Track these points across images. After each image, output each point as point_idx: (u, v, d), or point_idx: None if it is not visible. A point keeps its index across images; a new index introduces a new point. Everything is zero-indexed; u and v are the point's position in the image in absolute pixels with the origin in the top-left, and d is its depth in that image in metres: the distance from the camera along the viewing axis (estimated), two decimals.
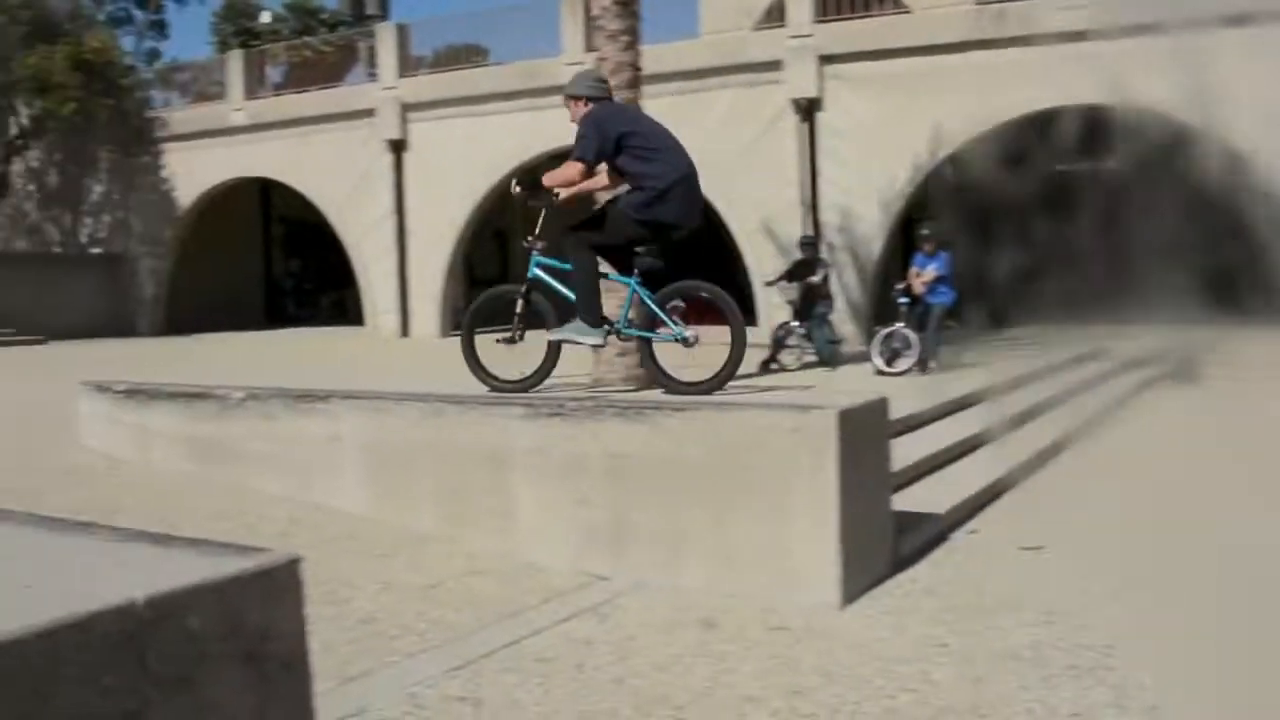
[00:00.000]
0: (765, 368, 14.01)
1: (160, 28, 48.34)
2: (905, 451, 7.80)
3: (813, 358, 14.95)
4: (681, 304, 6.92)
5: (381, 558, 6.38)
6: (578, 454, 6.22)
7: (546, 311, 7.17)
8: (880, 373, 13.60)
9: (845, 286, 20.28)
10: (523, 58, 25.52)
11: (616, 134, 6.94)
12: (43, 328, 29.42)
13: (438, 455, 6.78)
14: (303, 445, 7.42)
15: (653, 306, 6.89)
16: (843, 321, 18.15)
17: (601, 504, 6.17)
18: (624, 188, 7.11)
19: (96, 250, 33.01)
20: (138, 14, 46.95)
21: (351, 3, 46.57)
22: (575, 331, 7.04)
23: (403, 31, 28.11)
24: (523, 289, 7.19)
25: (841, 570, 5.60)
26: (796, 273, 15.48)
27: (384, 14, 45.43)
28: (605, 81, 7.63)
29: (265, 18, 47.87)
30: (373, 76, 28.77)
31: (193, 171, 30.83)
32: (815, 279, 15.14)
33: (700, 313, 6.90)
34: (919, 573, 6.29)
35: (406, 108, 26.80)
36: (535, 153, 24.03)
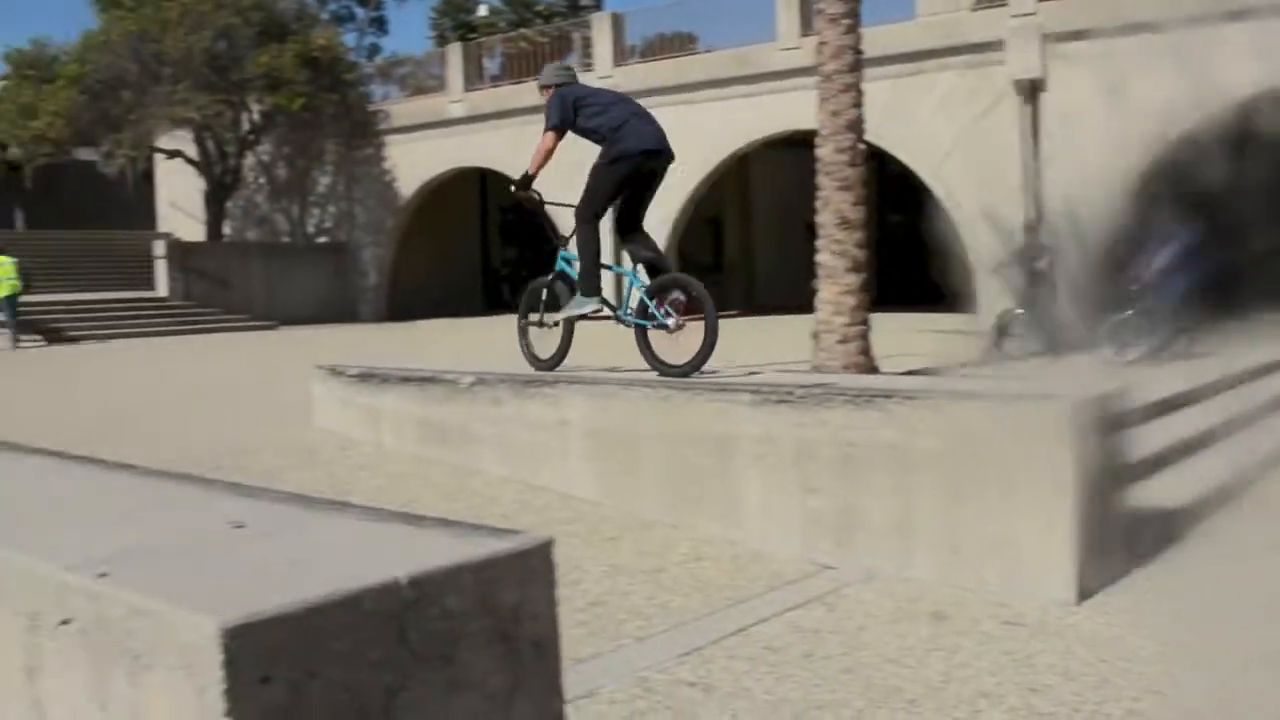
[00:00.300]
0: (989, 356, 13.69)
1: (380, 24, 49.81)
2: (1141, 444, 7.51)
3: (1038, 346, 14.54)
4: (681, 296, 7.64)
5: (608, 541, 6.43)
6: (805, 441, 6.17)
7: (563, 295, 8.17)
8: (1112, 362, 13.14)
9: (1071, 272, 19.71)
10: (736, 44, 25.47)
11: (573, 99, 8.28)
12: (273, 313, 30.66)
13: (663, 441, 6.80)
14: (529, 429, 7.54)
15: (644, 298, 7.72)
16: (1069, 308, 17.65)
17: (829, 492, 6.11)
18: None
19: (322, 240, 34.17)
20: (359, 11, 48.47)
21: None
22: (573, 305, 8.00)
23: (617, 21, 28.32)
24: (550, 278, 8.45)
25: (1077, 566, 5.43)
26: (1020, 258, 15.09)
27: (598, 4, 45.93)
28: (570, 69, 8.97)
29: (482, 11, 48.84)
30: (587, 66, 29.05)
31: (413, 163, 31.65)
32: (1040, 264, 14.74)
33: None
34: (1156, 570, 6.04)
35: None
36: (749, 140, 23.97)
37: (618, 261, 8.13)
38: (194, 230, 35.39)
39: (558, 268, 8.41)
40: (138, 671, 2.17)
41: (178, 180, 36.69)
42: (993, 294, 18.66)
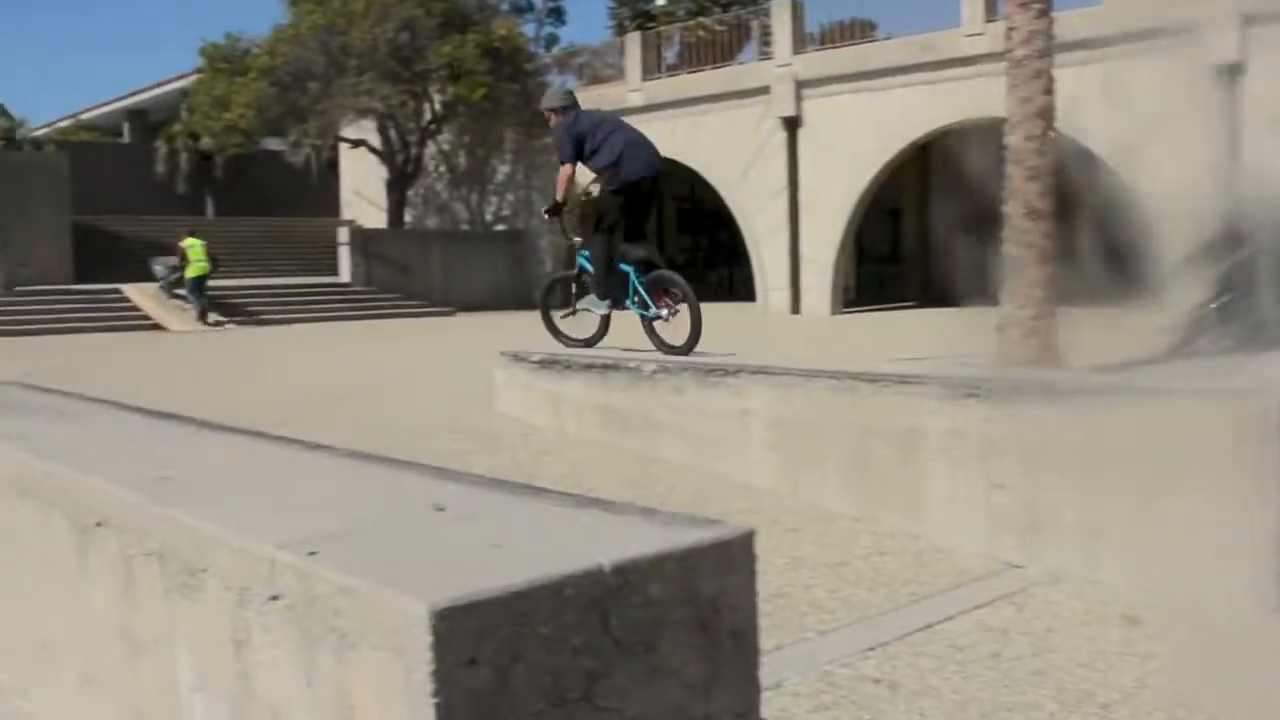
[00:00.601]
0: (1181, 351, 13.22)
1: (558, 14, 50.28)
2: None
3: (1235, 341, 14.00)
4: (677, 289, 9.34)
5: (790, 533, 6.38)
6: (993, 436, 6.03)
7: (590, 285, 9.96)
8: None
9: (1274, 262, 18.95)
10: (918, 30, 25.10)
11: (577, 135, 9.64)
12: (451, 300, 31.24)
13: (846, 432, 6.72)
14: (711, 419, 7.52)
15: (642, 291, 9.38)
16: (1271, 301, 16.93)
17: (1016, 489, 5.96)
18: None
19: (500, 227, 34.65)
20: (537, 2, 49.02)
21: None
22: (590, 302, 9.83)
23: (797, 8, 28.11)
24: (574, 273, 10.46)
25: None
26: (1217, 248, 14.55)
27: None
28: (571, 93, 10.68)
29: (661, 0, 48.92)
30: (766, 54, 28.93)
31: None
32: (1239, 255, 14.20)
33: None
34: None
35: (801, 84, 26.80)
36: (931, 128, 23.60)
37: (624, 260, 9.69)
38: (376, 217, 36.22)
39: (578, 264, 10.29)
40: (344, 649, 2.20)
41: (361, 168, 37.59)
42: (1186, 287, 18.06)
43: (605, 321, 9.74)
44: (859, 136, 25.29)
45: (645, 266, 9.62)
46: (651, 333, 9.23)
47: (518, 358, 9.38)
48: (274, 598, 2.42)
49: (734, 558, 2.46)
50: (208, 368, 15.77)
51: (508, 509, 2.74)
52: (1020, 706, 4.16)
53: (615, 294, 9.66)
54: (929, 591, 5.51)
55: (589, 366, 8.53)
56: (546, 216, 10.76)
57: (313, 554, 2.33)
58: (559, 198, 10.18)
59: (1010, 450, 5.98)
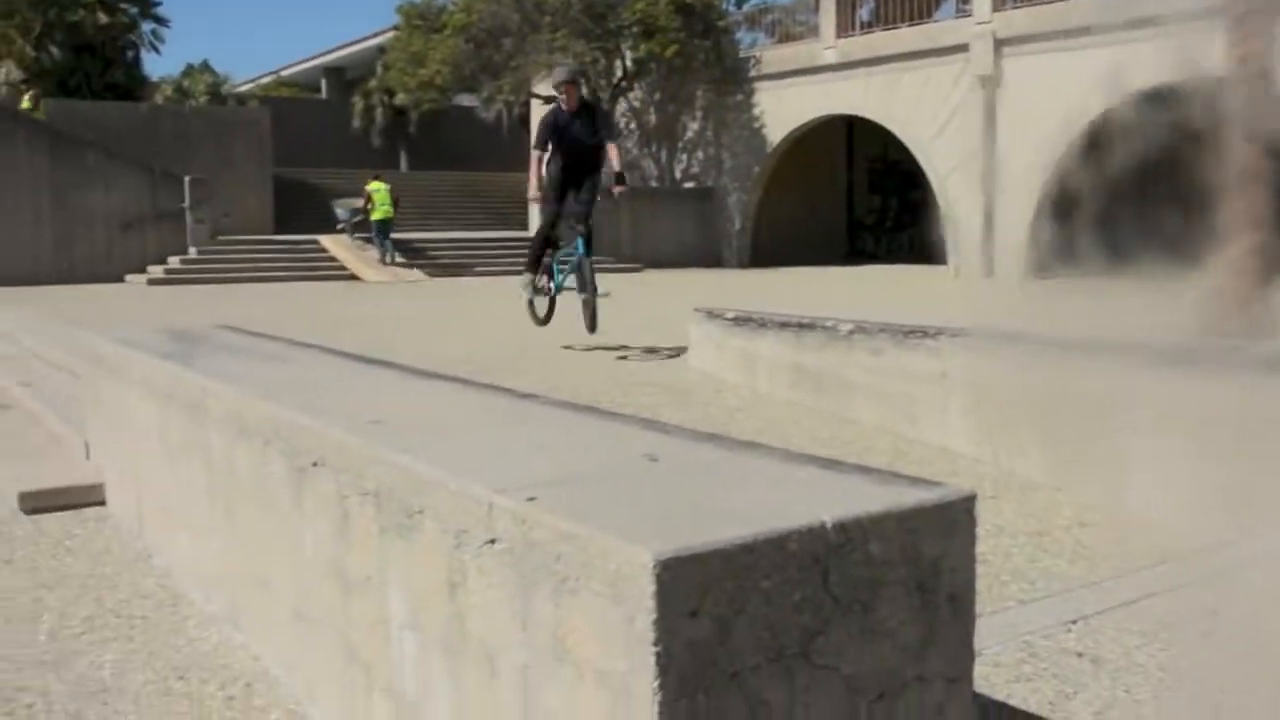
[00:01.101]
0: None
1: None
2: None
3: None
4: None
5: (989, 500, 6.24)
6: (1204, 409, 5.80)
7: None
8: None
9: None
10: None
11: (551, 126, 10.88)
12: (639, 256, 31.40)
13: (1050, 399, 6.54)
14: (907, 380, 7.40)
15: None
16: None
17: (1228, 465, 5.72)
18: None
19: (689, 185, 34.65)
20: None
21: None
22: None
23: None
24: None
25: None
26: None
27: None
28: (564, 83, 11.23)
29: None
30: (965, 11, 28.29)
31: (782, 109, 31.65)
32: None
33: None
34: None
35: (1000, 43, 26.14)
36: (1140, 88, 22.78)
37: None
38: None
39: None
40: (563, 595, 2.21)
41: None
42: None
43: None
44: (1060, 97, 24.57)
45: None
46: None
47: (711, 314, 9.37)
48: (491, 541, 2.44)
49: (955, 520, 2.40)
50: (403, 317, 16.13)
51: (725, 463, 2.72)
52: (1232, 688, 4.01)
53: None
54: (1132, 566, 5.34)
55: (784, 325, 8.46)
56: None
57: (532, 499, 2.34)
58: (532, 184, 11.33)
59: (1223, 424, 5.75)
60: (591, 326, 11.19)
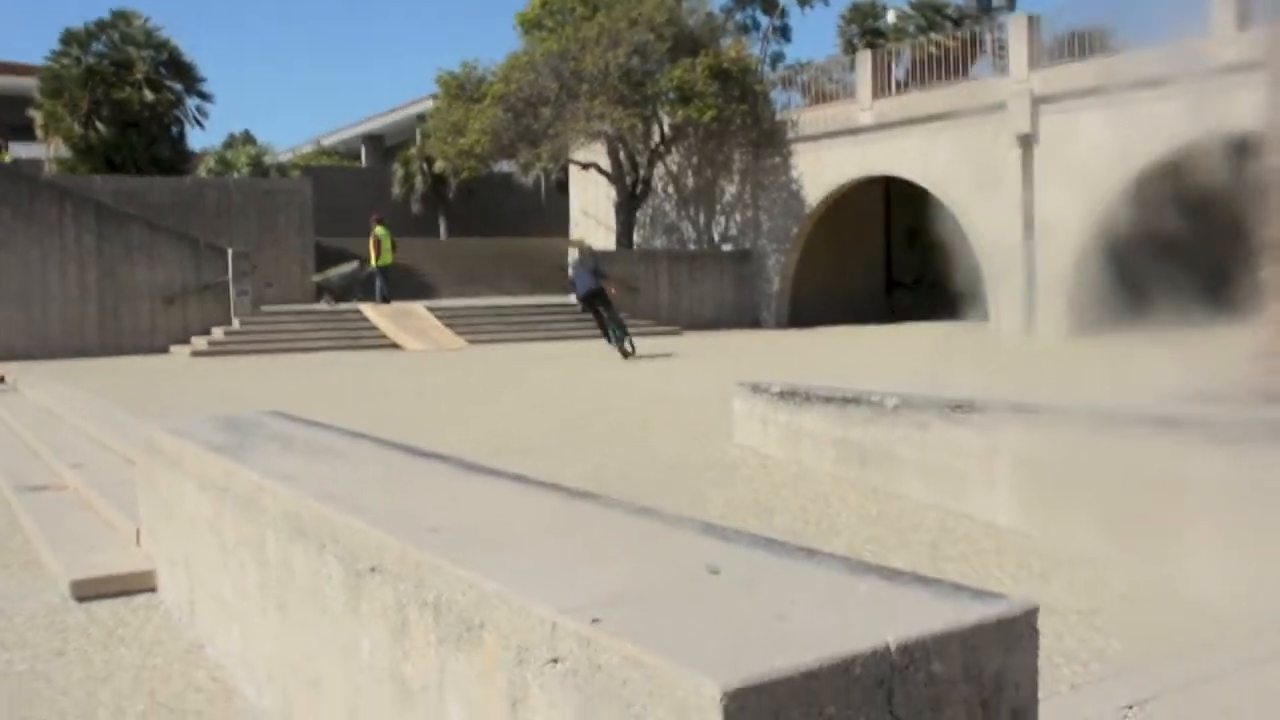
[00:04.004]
0: None
1: (783, 32, 50.35)
2: None
3: None
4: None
5: (1037, 577, 6.20)
6: (1266, 482, 5.74)
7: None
8: None
9: None
10: (1162, 40, 24.18)
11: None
12: (677, 318, 31.47)
13: (1100, 473, 6.50)
14: (955, 454, 7.37)
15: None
16: None
17: None
18: None
19: (727, 247, 34.75)
20: (763, 20, 49.14)
21: None
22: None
23: (1033, 21, 27.44)
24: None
25: None
26: None
27: (1011, 5, 44.78)
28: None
29: (890, 17, 48.48)
30: (1001, 70, 28.34)
31: (819, 170, 31.76)
32: None
33: None
34: None
35: (1037, 100, 26.16)
36: (1180, 142, 22.72)
37: None
38: (604, 237, 36.75)
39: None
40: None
41: (590, 189, 38.22)
42: None
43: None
44: (1100, 153, 24.55)
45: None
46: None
47: (756, 389, 9.35)
48: (554, 660, 2.45)
49: (1018, 634, 2.39)
50: (448, 390, 16.19)
51: (783, 573, 2.72)
52: None
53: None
54: (1190, 646, 5.27)
55: (829, 399, 8.44)
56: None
57: (596, 621, 2.36)
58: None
59: None
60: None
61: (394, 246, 29.88)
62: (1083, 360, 18.78)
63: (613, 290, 22.33)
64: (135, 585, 6.70)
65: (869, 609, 2.43)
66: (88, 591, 6.62)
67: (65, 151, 34.17)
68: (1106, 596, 5.90)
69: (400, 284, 31.82)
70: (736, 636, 2.26)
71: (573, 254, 23.76)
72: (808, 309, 32.52)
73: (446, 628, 2.91)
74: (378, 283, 29.10)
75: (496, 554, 3.06)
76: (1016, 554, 6.55)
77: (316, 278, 30.61)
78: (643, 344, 26.27)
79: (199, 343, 25.72)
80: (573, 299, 23.04)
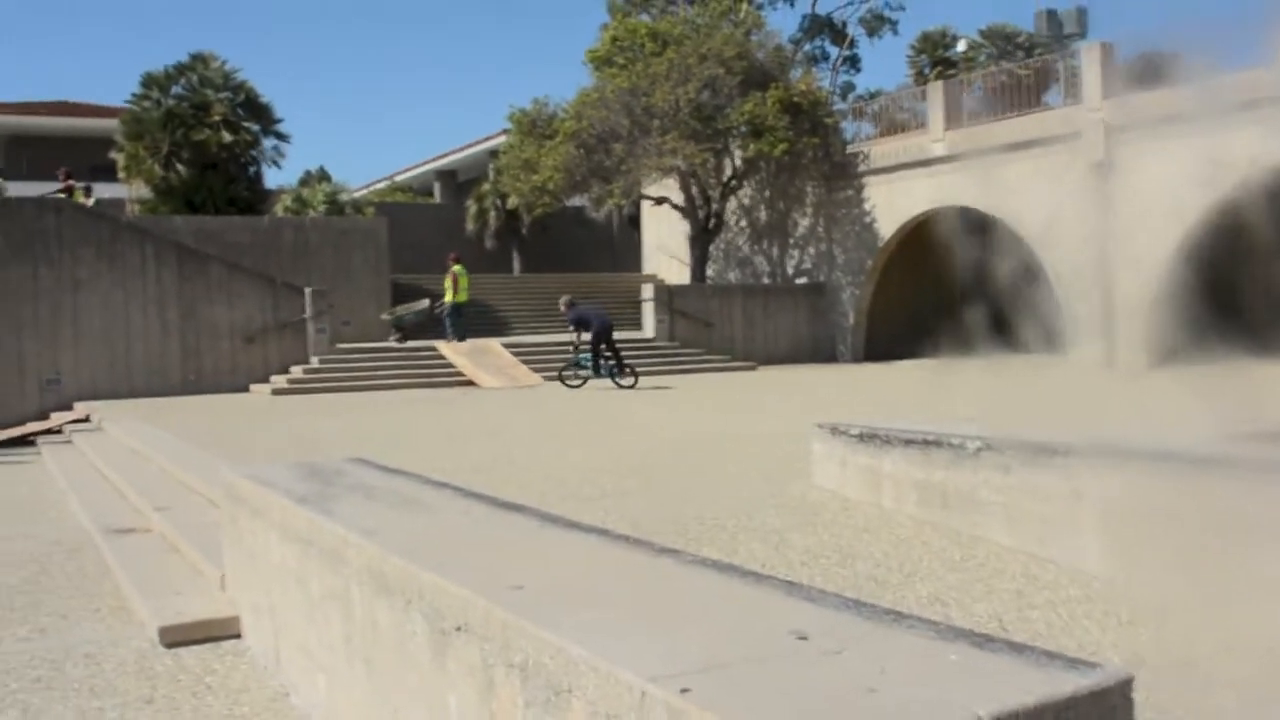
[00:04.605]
0: None
1: (853, 62, 50.36)
2: None
3: None
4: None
5: (1125, 626, 6.10)
6: None
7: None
8: None
9: None
10: (1233, 68, 23.88)
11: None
12: (752, 353, 31.46)
13: (1190, 519, 6.38)
14: (1039, 498, 7.28)
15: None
16: None
17: None
18: None
19: (801, 280, 34.68)
20: (833, 50, 49.18)
21: (1050, 24, 45.94)
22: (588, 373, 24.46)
23: (1106, 49, 27.21)
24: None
25: None
26: None
27: (1083, 32, 44.49)
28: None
29: (961, 46, 48.33)
30: (1074, 98, 28.12)
31: (892, 202, 31.65)
32: None
33: None
34: None
35: (1111, 129, 25.92)
36: (1264, 169, 22.42)
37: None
38: (677, 271, 36.85)
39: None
40: None
41: (663, 224, 38.34)
42: None
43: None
44: (1176, 181, 24.26)
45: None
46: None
47: (835, 431, 9.30)
48: None
49: (1112, 706, 2.36)
50: (524, 428, 16.26)
51: (871, 639, 2.70)
52: None
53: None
54: None
55: (909, 442, 8.37)
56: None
57: (685, 691, 2.35)
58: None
59: None
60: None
61: (469, 284, 30.23)
62: (1166, 394, 18.51)
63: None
64: (221, 631, 6.78)
65: (960, 680, 2.41)
66: (175, 638, 6.71)
67: (146, 192, 34.77)
68: (1200, 648, 5.78)
69: (475, 320, 32.05)
70: (827, 712, 2.25)
71: (564, 300, 26.05)
72: (883, 342, 32.36)
73: (534, 691, 2.91)
74: (451, 320, 29.40)
75: (582, 614, 3.06)
76: (1103, 601, 6.44)
77: (385, 315, 30.90)
78: (718, 380, 26.30)
79: (278, 381, 26.02)
80: (586, 336, 24.65)
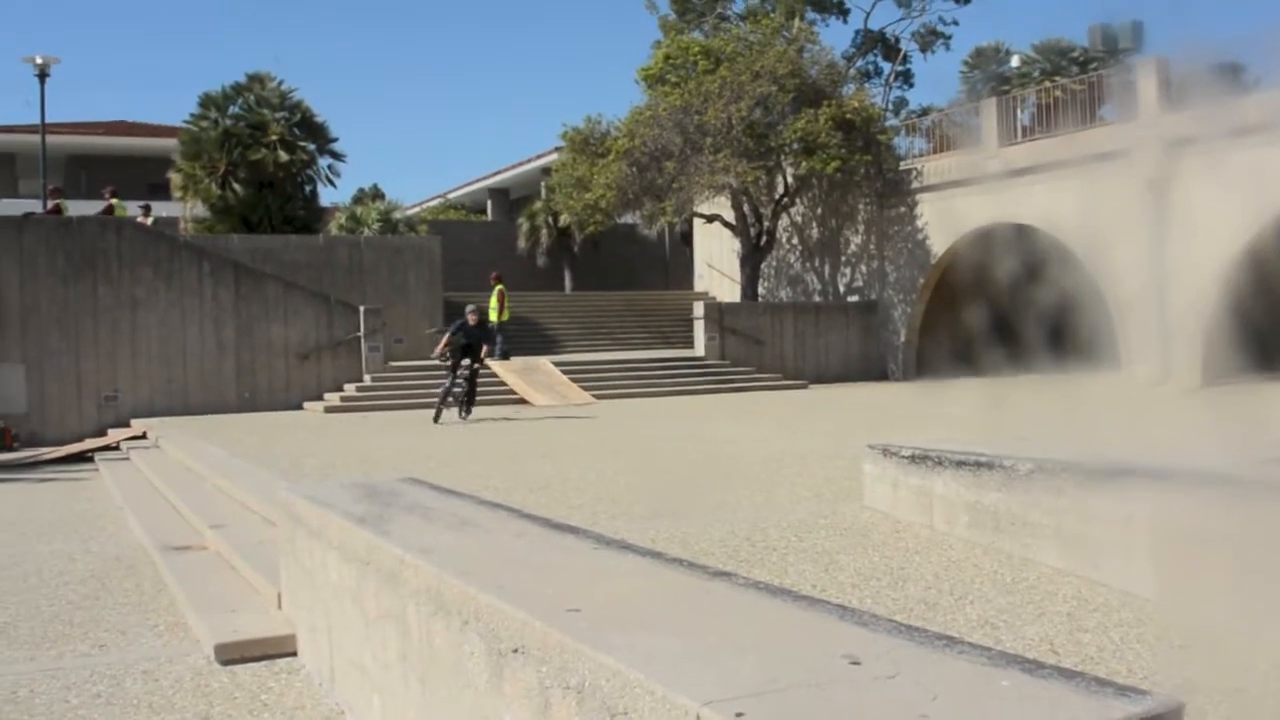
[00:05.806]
0: None
1: (906, 77, 50.25)
2: None
3: None
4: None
5: (1177, 650, 6.08)
6: None
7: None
8: None
9: None
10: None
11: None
12: (803, 372, 31.40)
13: (1242, 543, 6.35)
14: (1091, 521, 7.25)
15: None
16: None
17: None
18: None
19: (853, 298, 34.60)
20: (885, 66, 49.10)
21: (1104, 39, 45.65)
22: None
23: (1162, 64, 26.99)
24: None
25: None
26: None
27: (1137, 47, 44.18)
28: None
29: (1014, 62, 48.13)
30: (1129, 113, 27.91)
31: (945, 219, 31.50)
32: None
33: None
34: None
35: (1167, 144, 25.71)
36: None
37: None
38: (728, 289, 36.85)
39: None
40: None
41: (714, 241, 38.38)
42: None
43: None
44: (1234, 197, 24.00)
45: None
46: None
47: (886, 452, 9.29)
48: None
49: None
50: (576, 446, 16.32)
51: (923, 664, 2.74)
52: None
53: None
54: None
55: (960, 464, 8.36)
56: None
57: (740, 716, 2.39)
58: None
59: None
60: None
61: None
62: (1221, 411, 18.35)
63: (482, 358, 22.69)
64: (276, 649, 6.87)
65: (1012, 707, 2.43)
66: (231, 655, 6.81)
67: (201, 211, 35.15)
68: (1252, 673, 5.74)
69: (526, 338, 32.17)
70: None
71: (469, 308, 22.51)
72: (936, 360, 32.19)
73: (590, 713, 2.96)
74: (499, 338, 29.61)
75: (637, 637, 3.11)
76: (1155, 625, 6.41)
77: (430, 330, 31.06)
78: (769, 398, 26.27)
79: (332, 398, 26.23)
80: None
